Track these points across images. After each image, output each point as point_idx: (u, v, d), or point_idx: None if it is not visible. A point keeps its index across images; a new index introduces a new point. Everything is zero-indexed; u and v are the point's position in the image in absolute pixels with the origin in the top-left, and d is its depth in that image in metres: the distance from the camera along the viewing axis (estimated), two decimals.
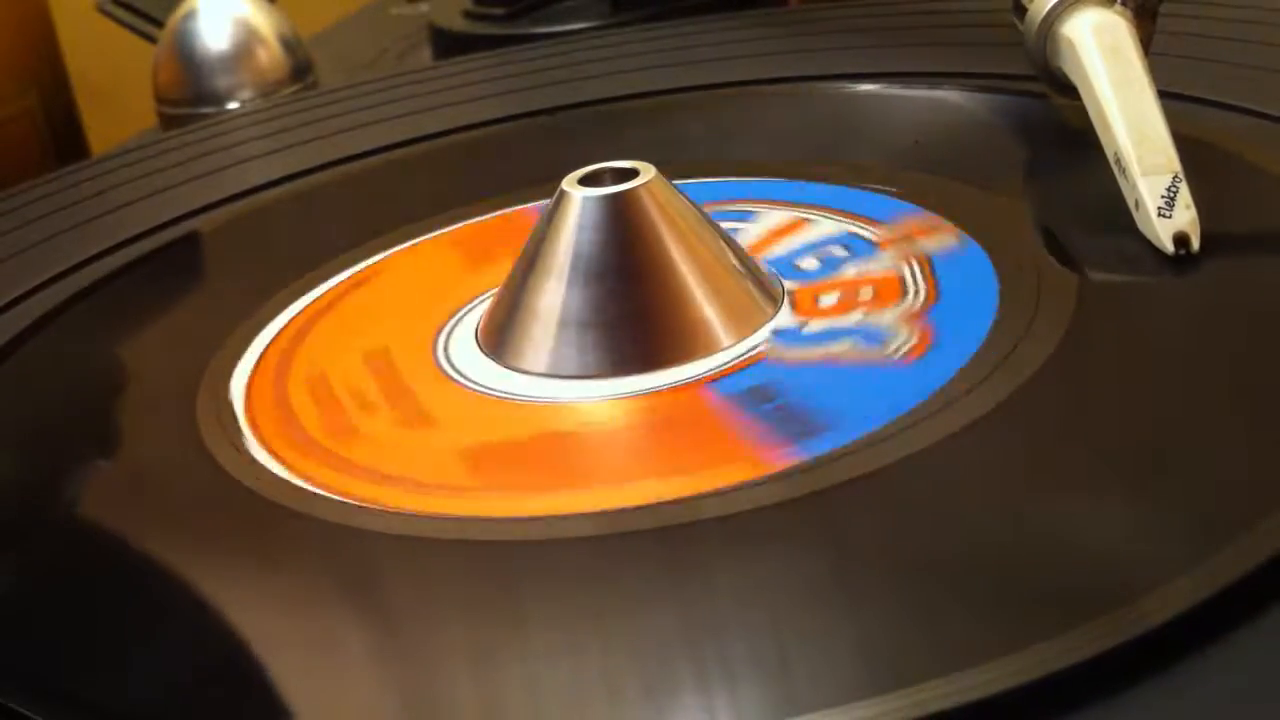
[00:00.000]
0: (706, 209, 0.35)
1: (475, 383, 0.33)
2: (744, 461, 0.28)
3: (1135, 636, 0.21)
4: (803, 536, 0.26)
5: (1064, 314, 0.31)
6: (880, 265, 0.34)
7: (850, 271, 0.35)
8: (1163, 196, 0.32)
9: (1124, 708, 0.21)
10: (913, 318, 0.32)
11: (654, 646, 0.24)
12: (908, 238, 0.35)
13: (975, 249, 0.34)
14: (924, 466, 0.27)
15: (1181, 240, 0.32)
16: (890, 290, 0.33)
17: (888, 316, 0.32)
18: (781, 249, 0.36)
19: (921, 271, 0.34)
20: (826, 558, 0.25)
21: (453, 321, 0.36)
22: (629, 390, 0.31)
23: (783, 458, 0.28)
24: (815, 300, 0.34)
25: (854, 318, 0.32)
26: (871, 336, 0.31)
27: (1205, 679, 0.21)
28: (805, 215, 0.38)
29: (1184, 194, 0.32)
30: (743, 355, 0.32)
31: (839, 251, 0.35)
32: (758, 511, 0.26)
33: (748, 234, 0.37)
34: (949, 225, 0.36)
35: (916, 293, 0.33)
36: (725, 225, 0.36)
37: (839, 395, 0.30)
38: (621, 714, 0.23)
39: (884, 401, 0.29)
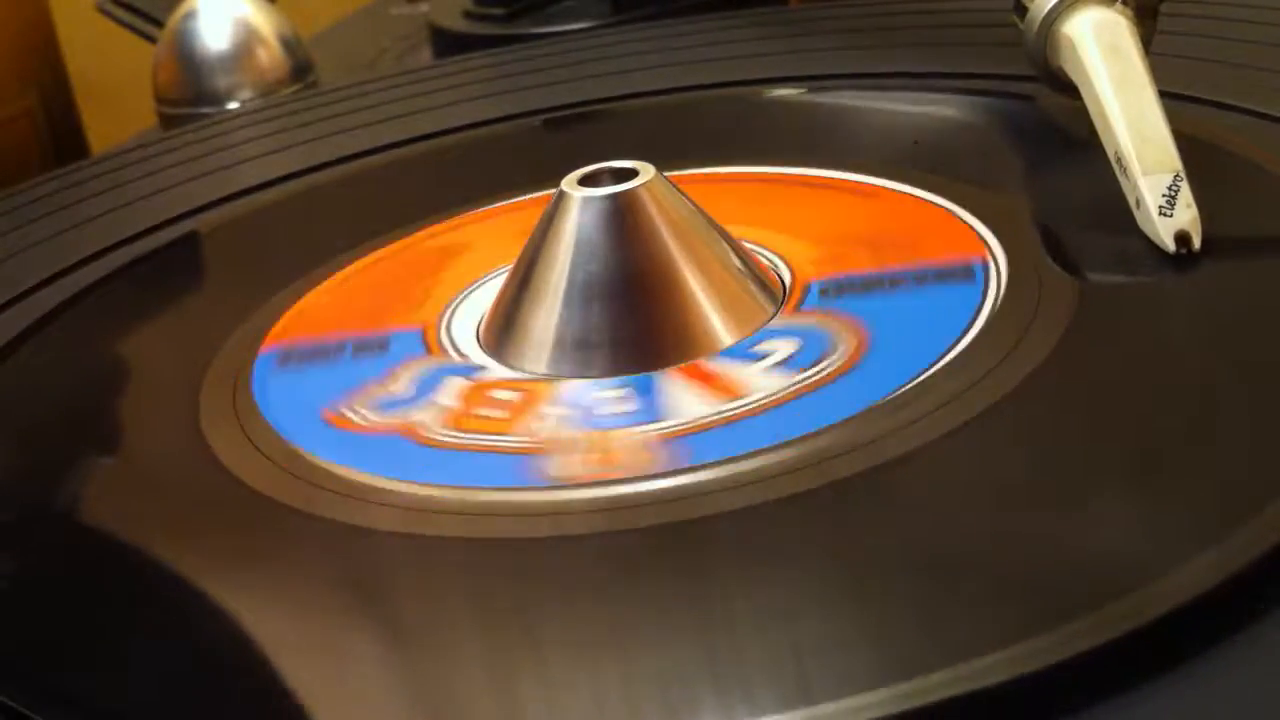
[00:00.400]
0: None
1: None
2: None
3: (1134, 633, 0.21)
4: (802, 534, 0.26)
5: (1064, 314, 0.31)
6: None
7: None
8: (1164, 195, 0.32)
9: (1123, 703, 0.21)
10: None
11: (656, 646, 0.24)
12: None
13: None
14: (924, 465, 0.27)
15: (1183, 239, 0.32)
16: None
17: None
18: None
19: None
20: (826, 555, 0.25)
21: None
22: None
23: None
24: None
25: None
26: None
27: (1206, 675, 0.21)
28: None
29: (1185, 193, 0.32)
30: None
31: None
32: (757, 509, 0.26)
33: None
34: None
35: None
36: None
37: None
38: (625, 712, 0.23)
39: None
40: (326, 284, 0.39)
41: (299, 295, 0.38)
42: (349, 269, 0.40)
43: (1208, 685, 0.21)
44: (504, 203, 0.42)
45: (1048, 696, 0.21)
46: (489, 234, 0.41)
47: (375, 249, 0.41)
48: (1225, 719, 0.21)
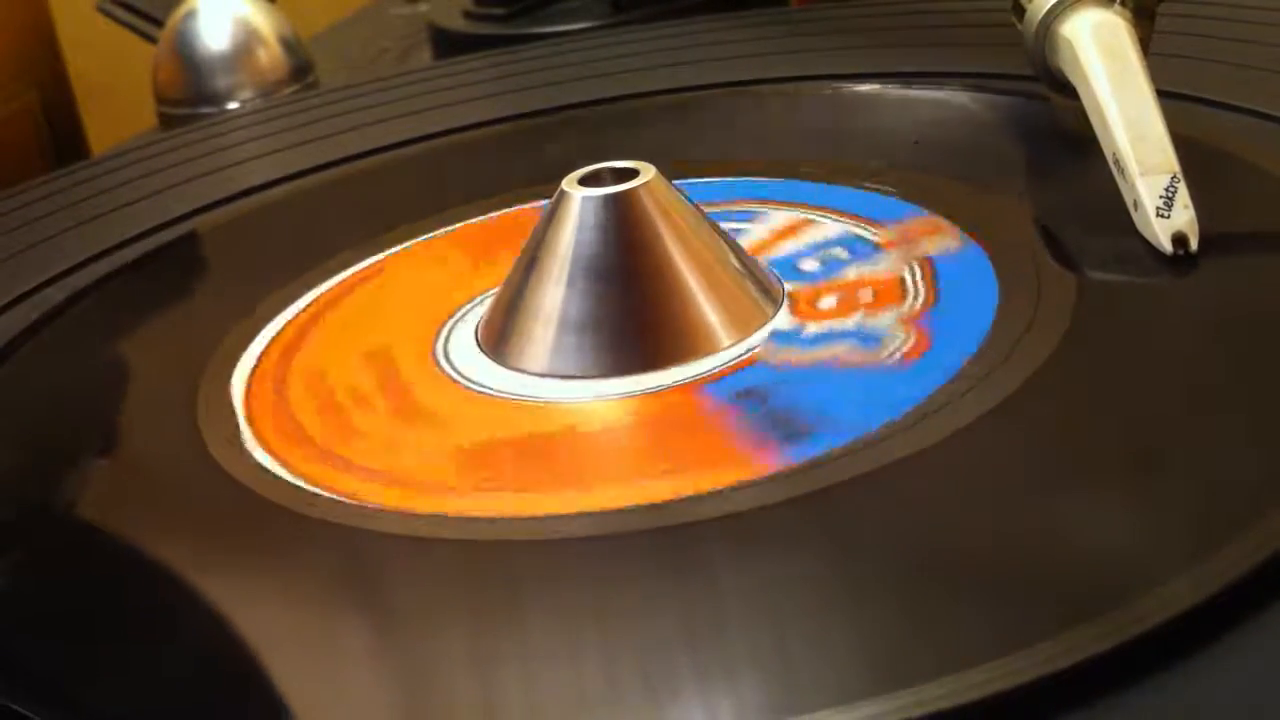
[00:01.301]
0: (710, 209, 0.35)
1: (475, 382, 0.33)
2: (735, 463, 0.28)
3: (1135, 636, 0.21)
4: (803, 536, 0.26)
5: (1064, 314, 0.31)
6: (881, 267, 0.34)
7: (851, 274, 0.35)
8: (1161, 196, 0.32)
9: (1124, 707, 0.21)
10: (911, 320, 0.32)
11: (654, 646, 0.24)
12: (909, 239, 0.35)
13: (976, 250, 0.34)
14: (924, 466, 0.27)
15: (1180, 240, 0.32)
16: (890, 292, 0.33)
17: (886, 319, 0.32)
18: (784, 250, 0.36)
19: (922, 274, 0.34)
20: (827, 557, 0.25)
21: (452, 321, 0.36)
22: (628, 390, 0.31)
23: (773, 460, 0.28)
24: (815, 302, 0.34)
25: (852, 320, 0.32)
26: (869, 339, 0.31)
27: (1205, 678, 0.21)
28: (808, 216, 0.38)
29: (1182, 194, 0.32)
30: (739, 357, 0.32)
31: (840, 253, 0.35)
32: (758, 511, 0.26)
33: (751, 235, 0.37)
34: (950, 226, 0.36)
35: (916, 295, 0.33)
36: (729, 226, 0.36)
37: (833, 397, 0.30)
38: (621, 713, 0.23)
39: (878, 404, 0.29)
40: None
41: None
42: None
43: (1207, 688, 0.21)
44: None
45: (1046, 701, 0.21)
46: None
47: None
48: None
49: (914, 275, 0.34)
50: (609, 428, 0.30)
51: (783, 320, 0.33)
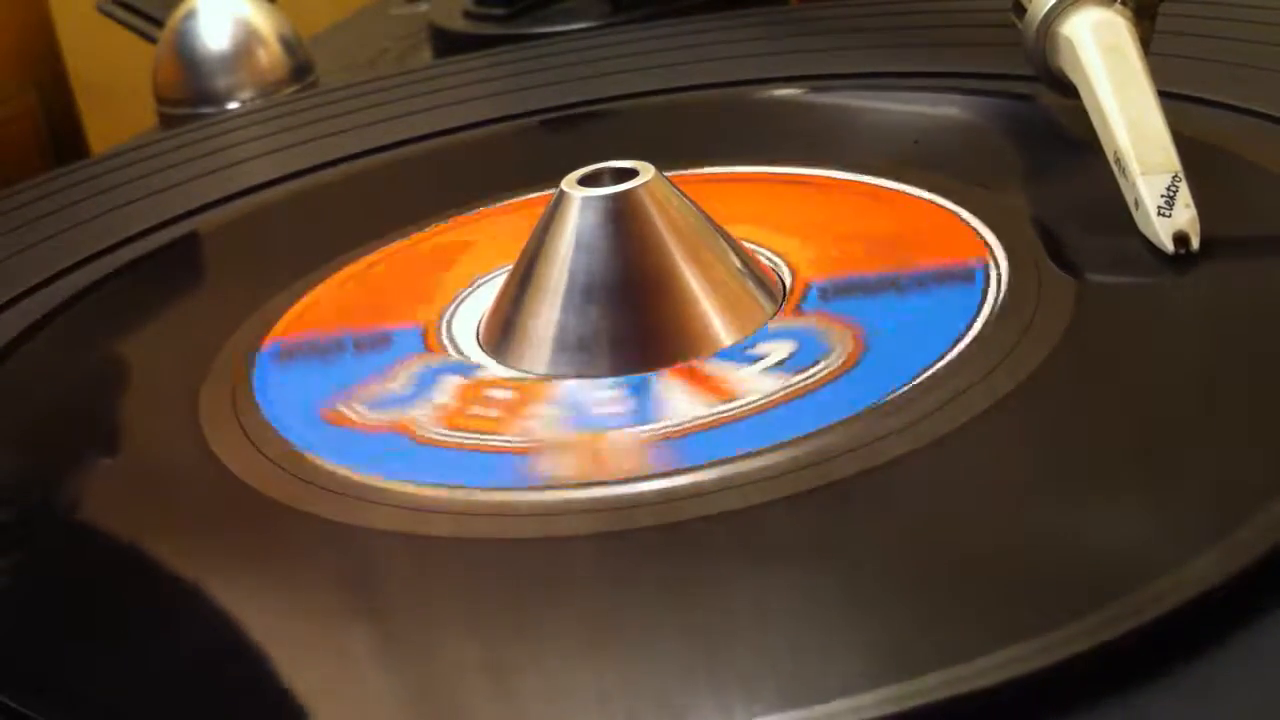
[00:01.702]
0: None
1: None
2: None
3: (1134, 631, 0.21)
4: (802, 534, 0.26)
5: (1064, 314, 0.31)
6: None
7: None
8: (1162, 196, 0.32)
9: (1123, 703, 0.21)
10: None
11: (653, 645, 0.24)
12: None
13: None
14: (924, 466, 0.27)
15: (1181, 239, 0.32)
16: None
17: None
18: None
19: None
20: (826, 555, 0.25)
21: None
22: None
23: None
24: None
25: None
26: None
27: (1205, 675, 0.21)
28: None
29: (1184, 193, 0.32)
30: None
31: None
32: (757, 509, 0.26)
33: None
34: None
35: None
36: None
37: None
38: (620, 711, 0.23)
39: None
40: (330, 280, 0.39)
41: (301, 293, 0.38)
42: (352, 267, 0.40)
43: (1208, 685, 0.21)
44: (508, 200, 0.42)
45: (1046, 697, 0.21)
46: (492, 233, 0.41)
47: (378, 247, 0.41)
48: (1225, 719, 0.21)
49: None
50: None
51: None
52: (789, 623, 0.24)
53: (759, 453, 0.28)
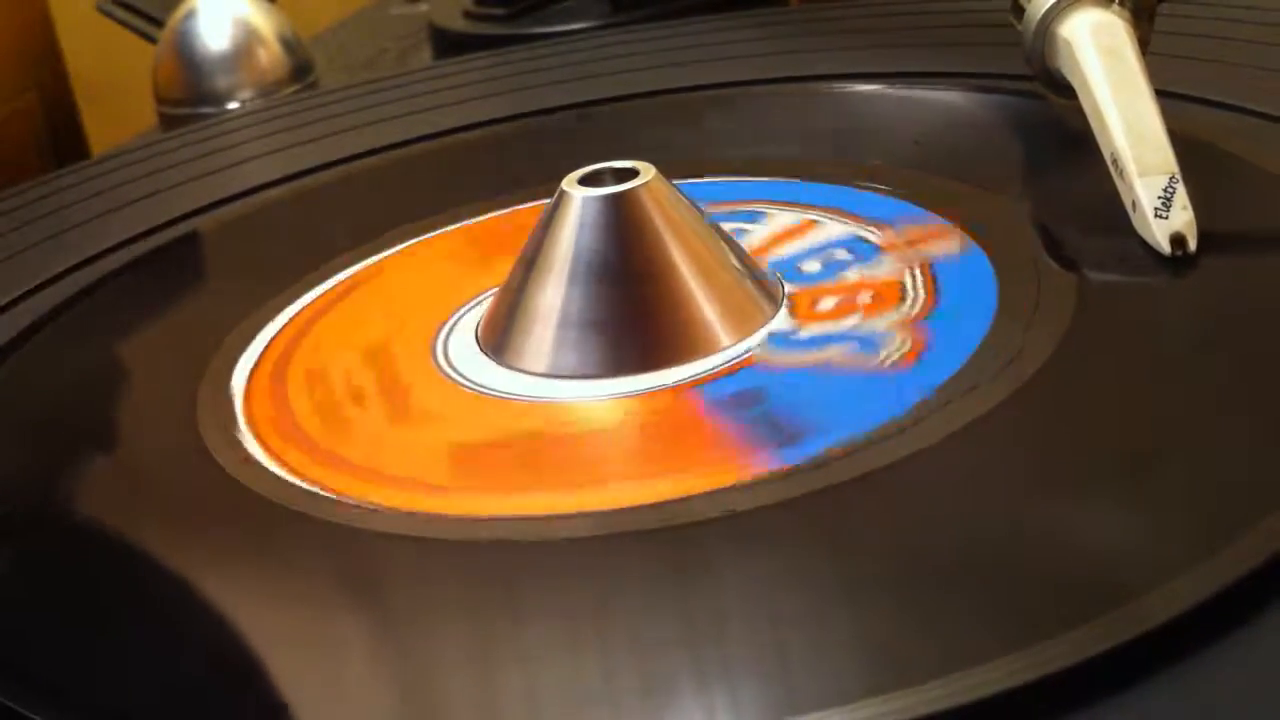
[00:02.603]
0: (713, 208, 0.35)
1: (474, 383, 0.33)
2: (727, 466, 0.28)
3: (1135, 636, 0.21)
4: (803, 536, 0.26)
5: (1064, 314, 0.31)
6: (882, 269, 0.34)
7: (852, 276, 0.34)
8: (1160, 197, 0.32)
9: (1124, 707, 0.21)
10: (908, 323, 0.32)
11: (653, 646, 0.24)
12: (911, 242, 0.35)
13: (977, 253, 0.34)
14: (924, 466, 0.27)
15: (1178, 241, 0.32)
16: (889, 295, 0.33)
17: (883, 322, 0.32)
18: (787, 251, 0.36)
19: (922, 276, 0.34)
20: (827, 557, 0.25)
21: (452, 321, 0.36)
22: (627, 390, 0.31)
23: (768, 462, 0.28)
24: (814, 304, 0.34)
25: (849, 322, 0.32)
26: (866, 342, 0.31)
27: (1206, 678, 0.21)
28: (812, 217, 0.38)
29: (1181, 195, 0.32)
30: (737, 359, 0.32)
31: (842, 255, 0.35)
32: (758, 511, 0.26)
33: (755, 235, 0.37)
34: (951, 228, 0.36)
35: (915, 298, 0.33)
36: (732, 226, 0.36)
37: (827, 401, 0.30)
38: (620, 713, 0.23)
39: (871, 407, 0.29)
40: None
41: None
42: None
43: (1208, 688, 0.21)
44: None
45: (1045, 700, 0.21)
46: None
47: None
48: None
49: (914, 278, 0.34)
50: (608, 428, 0.31)
51: (781, 322, 0.33)
52: (789, 623, 0.24)
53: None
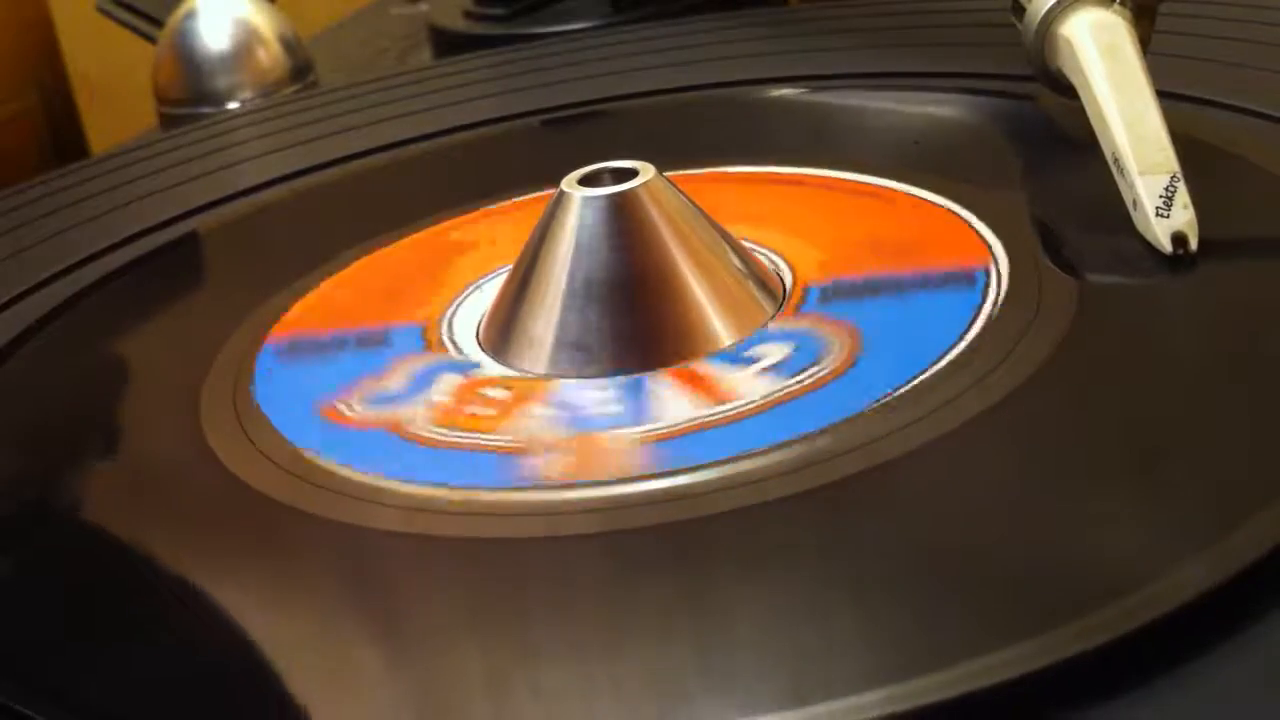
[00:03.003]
0: None
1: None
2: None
3: (1134, 633, 0.21)
4: (802, 533, 0.26)
5: (1064, 314, 0.31)
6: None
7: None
8: (1161, 196, 0.32)
9: (1122, 704, 0.21)
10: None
11: (653, 644, 0.24)
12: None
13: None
14: (924, 465, 0.27)
15: (1179, 240, 0.32)
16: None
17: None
18: None
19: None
20: (826, 554, 0.25)
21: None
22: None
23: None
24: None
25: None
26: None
27: (1205, 676, 0.21)
28: None
29: (1182, 194, 0.32)
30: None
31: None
32: (757, 509, 0.26)
33: None
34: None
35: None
36: None
37: None
38: (624, 711, 0.23)
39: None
40: (333, 279, 0.39)
41: (302, 292, 0.38)
42: (354, 265, 0.40)
43: (1207, 686, 0.21)
44: (510, 200, 0.42)
45: (1046, 698, 0.21)
46: (495, 231, 0.41)
47: (381, 245, 0.41)
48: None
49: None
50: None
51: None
52: (789, 623, 0.24)
53: (759, 453, 0.28)
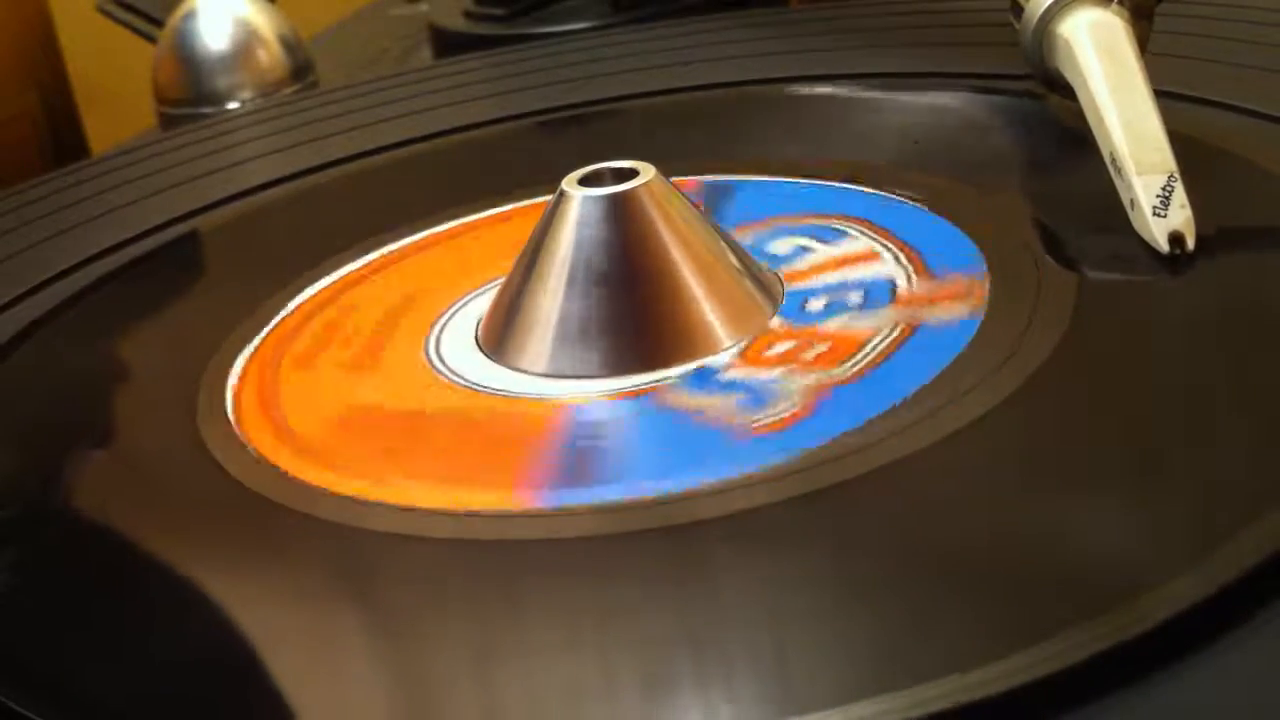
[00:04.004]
0: (795, 220, 0.34)
1: (472, 382, 0.33)
2: (504, 491, 0.28)
3: (1135, 635, 0.21)
4: (803, 534, 0.26)
5: (1064, 314, 0.31)
6: (868, 324, 0.32)
7: (832, 324, 0.33)
8: (1158, 196, 0.32)
9: (1124, 707, 0.21)
10: (819, 387, 0.30)
11: (653, 645, 0.24)
12: (930, 300, 0.33)
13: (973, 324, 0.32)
14: (924, 466, 0.27)
15: (1176, 239, 0.32)
16: (840, 352, 0.31)
17: (799, 381, 0.30)
18: (814, 282, 0.35)
19: (899, 333, 0.32)
20: (827, 555, 0.25)
21: (445, 320, 0.36)
22: (622, 389, 0.31)
23: (534, 499, 0.28)
24: (769, 346, 0.32)
25: (770, 374, 0.31)
26: (759, 398, 0.30)
27: (1205, 678, 0.21)
28: (878, 249, 0.36)
29: (1179, 193, 0.32)
30: (638, 386, 0.31)
31: (855, 298, 0.33)
32: (758, 510, 0.27)
33: (811, 257, 0.36)
34: (978, 294, 0.33)
35: (862, 358, 0.31)
36: (801, 242, 0.36)
37: (646, 451, 0.29)
38: (620, 712, 0.23)
39: (692, 464, 0.28)
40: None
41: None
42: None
43: (1207, 687, 0.21)
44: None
45: (1046, 701, 0.21)
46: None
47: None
48: None
49: (886, 337, 0.32)
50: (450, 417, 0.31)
51: (723, 358, 0.32)
52: (789, 623, 0.24)
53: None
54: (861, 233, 0.37)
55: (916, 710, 0.21)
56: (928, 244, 0.35)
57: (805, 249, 0.36)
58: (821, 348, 0.32)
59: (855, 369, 0.31)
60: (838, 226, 0.37)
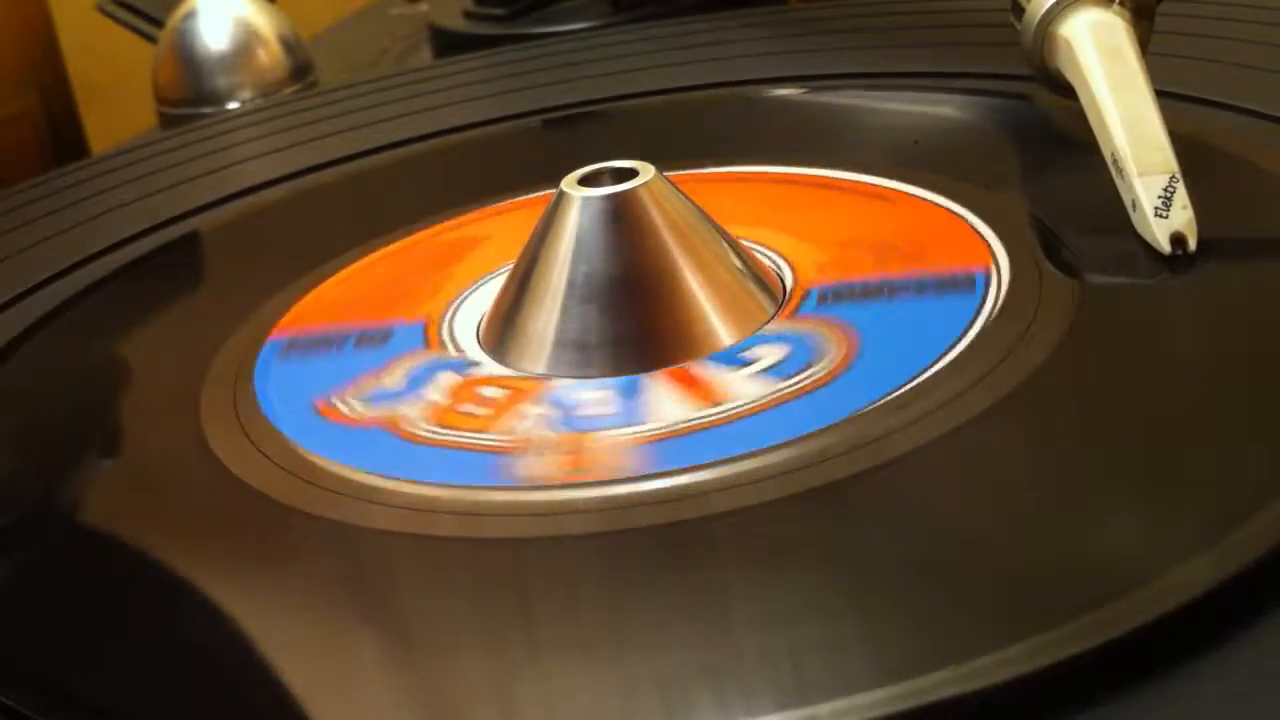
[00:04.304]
0: None
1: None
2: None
3: (1134, 631, 0.21)
4: (802, 533, 0.26)
5: (1064, 314, 0.31)
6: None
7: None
8: (1160, 196, 0.32)
9: (1124, 703, 0.21)
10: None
11: (654, 644, 0.24)
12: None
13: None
14: (924, 465, 0.27)
15: (1178, 240, 0.32)
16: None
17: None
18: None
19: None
20: (827, 554, 0.25)
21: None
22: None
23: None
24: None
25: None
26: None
27: (1206, 675, 0.21)
28: None
29: (1181, 194, 0.32)
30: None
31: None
32: (757, 509, 0.26)
33: None
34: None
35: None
36: None
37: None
38: (622, 710, 0.23)
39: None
40: (335, 277, 0.39)
41: (303, 291, 0.39)
42: (357, 264, 0.40)
43: (1207, 686, 0.21)
44: (512, 199, 0.42)
45: (1046, 697, 0.21)
46: (499, 229, 0.41)
47: (383, 245, 0.41)
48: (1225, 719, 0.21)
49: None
50: None
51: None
52: (789, 623, 0.24)
53: (758, 453, 0.28)
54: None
55: (916, 700, 0.21)
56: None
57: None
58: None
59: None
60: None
